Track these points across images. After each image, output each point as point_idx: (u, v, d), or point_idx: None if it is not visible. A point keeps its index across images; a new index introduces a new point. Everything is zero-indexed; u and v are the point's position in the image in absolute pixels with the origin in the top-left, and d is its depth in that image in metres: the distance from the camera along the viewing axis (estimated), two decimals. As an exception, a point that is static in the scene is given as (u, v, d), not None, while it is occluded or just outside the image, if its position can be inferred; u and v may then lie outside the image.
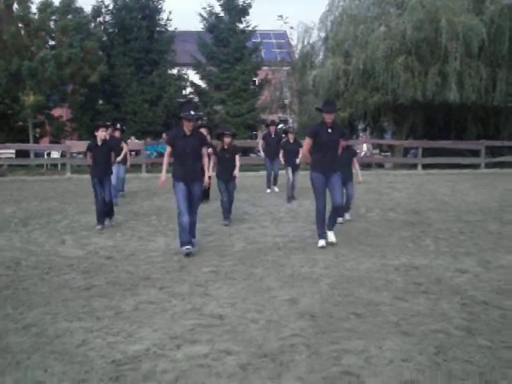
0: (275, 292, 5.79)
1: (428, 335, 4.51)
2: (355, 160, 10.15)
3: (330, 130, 7.93)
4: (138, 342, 4.45)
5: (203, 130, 12.27)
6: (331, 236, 8.22)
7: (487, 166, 23.48)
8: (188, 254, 7.46)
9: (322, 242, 8.02)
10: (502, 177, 20.23)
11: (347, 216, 10.22)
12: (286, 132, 14.02)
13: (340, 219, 9.90)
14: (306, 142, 8.22)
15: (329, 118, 7.92)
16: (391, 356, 4.11)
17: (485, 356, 4.10)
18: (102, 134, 9.94)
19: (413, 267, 6.78)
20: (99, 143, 9.93)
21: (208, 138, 12.14)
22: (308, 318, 4.97)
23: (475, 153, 24.22)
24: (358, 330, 4.66)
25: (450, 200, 13.25)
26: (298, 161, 12.70)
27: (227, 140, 10.14)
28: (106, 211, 9.92)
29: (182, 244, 7.58)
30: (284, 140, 13.92)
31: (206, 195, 12.45)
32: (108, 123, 11.60)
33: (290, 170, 12.86)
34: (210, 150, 10.19)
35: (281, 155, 13.24)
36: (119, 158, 12.26)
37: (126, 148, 13.04)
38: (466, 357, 4.08)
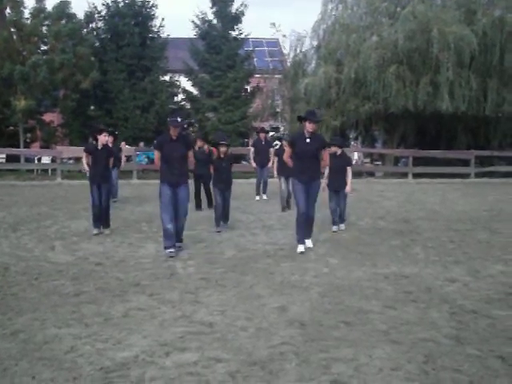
0: (265, 300, 5.78)
1: (417, 344, 4.52)
2: (349, 169, 10.05)
3: (308, 140, 8.08)
4: (127, 348, 4.43)
5: (200, 141, 12.55)
6: (308, 243, 8.44)
7: (477, 175, 23.64)
8: (169, 254, 7.83)
9: (301, 248, 8.16)
10: (491, 186, 20.36)
11: (342, 226, 10.17)
12: (280, 139, 13.84)
13: (335, 227, 10.01)
14: (286, 150, 8.62)
15: (310, 127, 8.06)
16: (380, 364, 4.11)
17: (473, 365, 4.11)
18: (104, 139, 9.87)
19: (403, 276, 6.80)
20: (99, 147, 9.85)
21: (205, 147, 12.40)
22: (298, 326, 4.97)
23: (465, 162, 24.38)
24: (347, 338, 4.66)
25: (439, 209, 13.31)
26: None
27: (223, 149, 10.14)
28: (102, 219, 9.83)
29: (166, 247, 7.95)
30: (278, 148, 13.55)
31: (209, 203, 12.56)
32: (109, 129, 11.41)
33: (283, 180, 12.35)
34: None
35: (274, 164, 12.69)
36: (122, 164, 12.29)
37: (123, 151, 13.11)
38: (455, 365, 4.09)
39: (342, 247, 8.62)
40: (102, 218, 9.82)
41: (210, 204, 12.40)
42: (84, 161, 10.53)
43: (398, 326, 4.94)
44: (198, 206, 12.58)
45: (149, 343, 4.54)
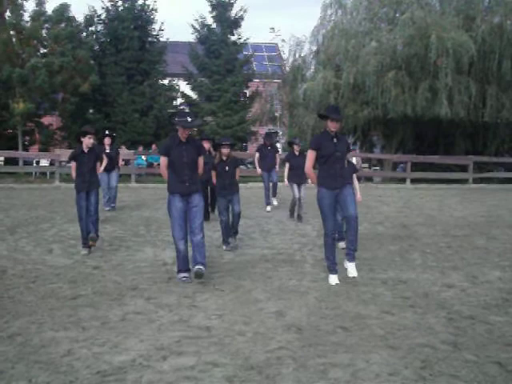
0: (262, 304, 5.78)
1: (414, 349, 4.52)
2: (355, 176, 9.63)
3: (335, 140, 6.85)
4: (124, 352, 4.43)
5: (206, 143, 10.95)
6: (352, 269, 7.03)
7: (475, 181, 23.67)
8: (184, 280, 6.75)
9: (334, 279, 6.76)
10: (489, 192, 20.39)
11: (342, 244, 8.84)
12: (290, 144, 12.60)
13: (342, 243, 8.76)
14: (309, 157, 6.89)
15: (334, 126, 6.83)
16: (378, 370, 4.11)
17: (471, 371, 4.11)
18: (88, 142, 8.73)
19: (400, 281, 6.80)
20: (85, 150, 8.77)
21: (211, 149, 11.12)
22: (295, 330, 4.97)
23: (463, 168, 24.43)
24: (344, 343, 4.66)
25: (437, 215, 13.32)
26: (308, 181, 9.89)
27: (225, 151, 8.97)
28: (94, 229, 8.62)
29: (180, 271, 6.87)
30: (288, 154, 12.79)
31: (212, 207, 11.96)
32: (93, 131, 9.50)
33: (295, 187, 11.69)
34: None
35: (285, 172, 12.00)
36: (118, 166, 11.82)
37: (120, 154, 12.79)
38: (452, 371, 4.09)
39: (340, 252, 8.60)
40: (92, 229, 8.58)
41: (212, 208, 11.97)
42: (72, 169, 9.11)
43: (396, 332, 4.94)
44: (206, 217, 10.51)
45: (146, 347, 4.53)
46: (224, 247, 8.90)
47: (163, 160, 6.97)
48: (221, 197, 9.11)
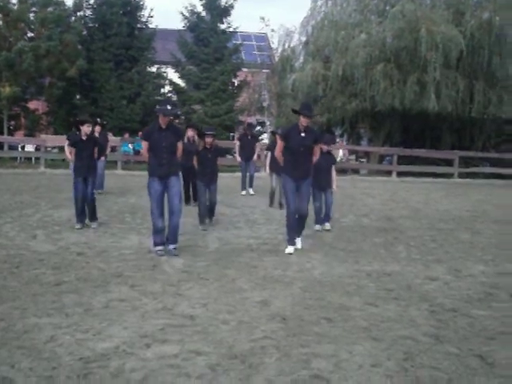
0: (247, 293, 5.79)
1: (397, 341, 4.55)
2: (333, 168, 9.99)
3: (302, 134, 7.66)
4: (108, 339, 4.41)
5: (190, 131, 11.72)
6: (298, 243, 8.06)
7: (460, 175, 23.83)
8: (160, 256, 7.35)
9: (290, 249, 7.84)
10: (474, 187, 20.54)
11: (327, 226, 9.89)
12: (274, 133, 13.21)
13: (317, 226, 9.86)
14: (278, 144, 8.03)
15: (305, 121, 7.64)
16: (360, 361, 4.13)
17: (452, 363, 4.14)
18: (87, 130, 9.36)
19: (384, 273, 6.84)
20: (84, 138, 9.36)
21: (196, 137, 11.37)
22: (279, 320, 4.98)
23: (449, 162, 24.56)
24: (328, 334, 4.68)
25: (423, 208, 13.40)
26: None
27: (209, 140, 9.64)
28: (89, 212, 9.49)
29: (155, 244, 7.57)
30: (270, 143, 13.46)
31: (191, 196, 12.21)
32: (92, 120, 10.67)
33: (274, 177, 12.08)
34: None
35: (267, 160, 12.56)
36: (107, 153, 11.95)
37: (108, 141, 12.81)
38: (434, 363, 4.13)
39: (325, 244, 8.65)
40: (87, 212, 9.46)
41: (194, 198, 12.21)
42: (66, 150, 10.28)
43: (379, 323, 4.96)
44: (187, 201, 11.95)
45: (129, 334, 4.52)
46: (200, 227, 9.61)
47: (144, 144, 7.71)
48: (201, 182, 9.80)
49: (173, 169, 7.54)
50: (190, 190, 12.26)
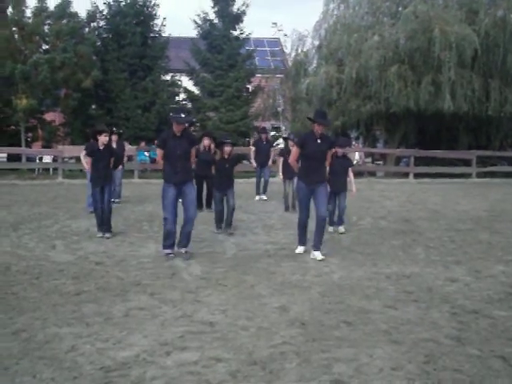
0: (266, 299, 5.78)
1: (418, 344, 4.51)
2: (350, 170, 10.01)
3: (318, 141, 7.75)
4: (128, 348, 4.43)
5: (206, 139, 11.72)
6: (318, 255, 7.73)
7: (478, 175, 23.62)
8: (169, 256, 7.69)
9: (300, 249, 8.09)
10: (492, 186, 20.36)
11: (341, 229, 9.97)
12: (286, 139, 13.12)
13: (330, 228, 9.88)
14: (293, 151, 8.11)
15: (319, 129, 7.74)
16: (381, 364, 4.11)
17: (474, 365, 4.10)
18: (104, 139, 9.44)
19: (404, 276, 6.80)
20: (101, 147, 9.45)
21: (212, 146, 11.56)
22: (298, 325, 4.97)
23: (466, 162, 24.37)
24: (348, 338, 4.66)
25: (441, 209, 13.30)
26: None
27: (227, 149, 9.66)
28: (105, 223, 9.50)
29: (165, 247, 7.84)
30: (283, 148, 13.39)
31: (203, 203, 12.30)
32: (109, 130, 10.48)
33: (287, 183, 12.26)
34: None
35: (279, 166, 12.57)
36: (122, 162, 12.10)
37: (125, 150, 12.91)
38: (456, 366, 4.09)
39: (343, 247, 8.62)
40: (104, 222, 9.49)
41: (208, 205, 12.26)
42: (83, 160, 10.41)
43: (399, 326, 4.93)
44: (199, 207, 11.93)
45: (149, 343, 4.54)
46: (216, 231, 9.83)
47: (159, 151, 7.88)
48: (217, 191, 9.87)
49: (187, 176, 7.77)
50: (202, 196, 12.35)
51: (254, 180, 16.26)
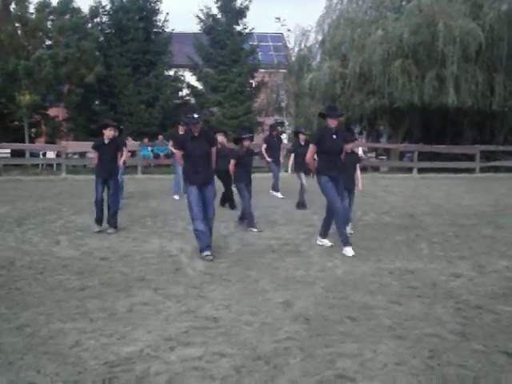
0: (270, 294, 5.78)
1: (422, 339, 4.51)
2: (358, 166, 9.77)
3: (334, 136, 7.80)
4: (132, 343, 4.44)
5: (220, 136, 11.54)
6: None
7: (482, 170, 23.56)
8: (209, 260, 7.27)
9: (351, 251, 7.66)
10: (496, 181, 20.31)
11: (349, 229, 9.14)
12: (296, 133, 13.19)
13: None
14: (311, 149, 7.97)
15: (333, 123, 7.76)
16: (385, 360, 4.10)
17: (479, 360, 4.10)
18: (110, 133, 9.46)
19: (407, 271, 6.79)
20: (106, 141, 9.50)
21: (225, 141, 11.71)
22: (302, 320, 4.97)
23: (470, 157, 24.30)
24: (352, 333, 4.65)
25: (444, 204, 13.28)
26: None
27: (247, 143, 9.76)
28: (108, 216, 9.54)
29: (202, 250, 7.46)
30: (293, 143, 13.44)
31: (231, 201, 12.14)
32: (115, 124, 10.44)
33: (302, 175, 12.15)
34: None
35: (290, 161, 12.59)
36: (126, 159, 12.11)
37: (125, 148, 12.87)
38: (460, 361, 4.08)
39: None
40: (108, 215, 9.52)
41: (222, 203, 12.18)
42: (94, 158, 10.41)
43: (403, 322, 4.93)
44: (231, 205, 12.13)
45: (153, 338, 4.54)
46: (253, 230, 9.53)
47: (178, 153, 7.96)
48: (241, 183, 9.75)
49: (208, 176, 7.67)
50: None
51: (260, 176, 16.27)
